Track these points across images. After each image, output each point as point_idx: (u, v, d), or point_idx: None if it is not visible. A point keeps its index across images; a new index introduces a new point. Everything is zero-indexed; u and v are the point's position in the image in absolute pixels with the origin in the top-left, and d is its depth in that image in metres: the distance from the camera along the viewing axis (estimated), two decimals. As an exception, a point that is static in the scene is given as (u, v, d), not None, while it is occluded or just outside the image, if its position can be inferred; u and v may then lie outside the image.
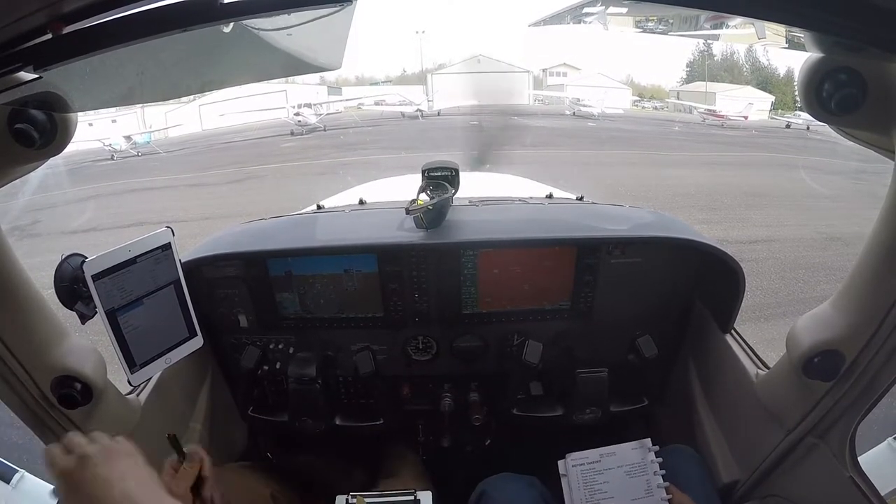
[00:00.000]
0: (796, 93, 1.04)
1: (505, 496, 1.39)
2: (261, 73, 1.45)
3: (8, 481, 1.62)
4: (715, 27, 0.95)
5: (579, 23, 1.11)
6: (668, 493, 1.32)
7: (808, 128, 19.58)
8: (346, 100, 32.35)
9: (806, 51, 0.91)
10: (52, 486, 1.39)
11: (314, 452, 1.89)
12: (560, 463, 1.41)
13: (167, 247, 1.00)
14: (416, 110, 26.65)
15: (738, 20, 0.90)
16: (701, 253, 1.60)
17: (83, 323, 1.08)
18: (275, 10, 0.75)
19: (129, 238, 0.95)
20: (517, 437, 1.91)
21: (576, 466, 1.39)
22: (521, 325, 1.73)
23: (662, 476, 1.35)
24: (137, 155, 20.55)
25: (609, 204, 1.96)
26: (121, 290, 0.95)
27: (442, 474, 1.86)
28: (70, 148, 1.02)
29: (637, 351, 1.68)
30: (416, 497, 1.40)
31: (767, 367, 1.42)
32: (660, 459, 1.38)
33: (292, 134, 22.57)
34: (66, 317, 1.13)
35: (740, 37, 1.01)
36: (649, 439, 1.42)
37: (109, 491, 0.76)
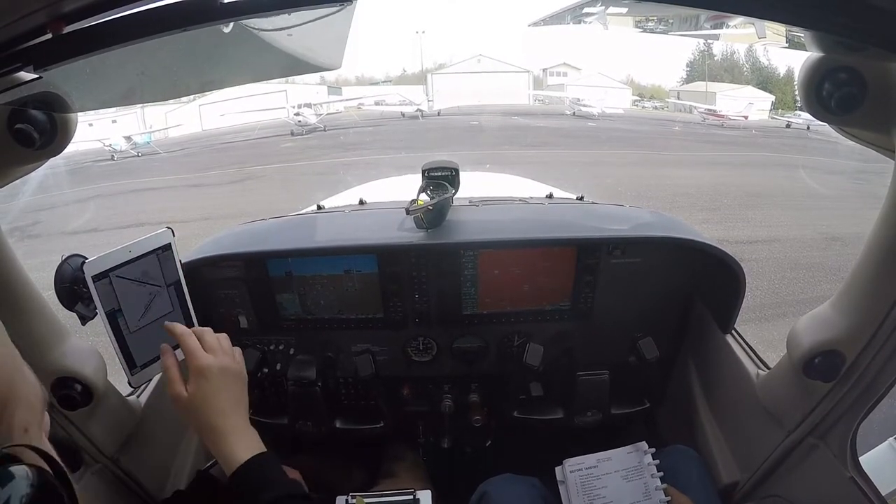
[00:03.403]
0: (796, 92, 1.04)
1: (507, 497, 1.38)
2: (261, 74, 1.45)
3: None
4: (715, 27, 0.95)
5: (579, 23, 1.11)
6: (666, 495, 1.32)
7: (808, 127, 19.55)
8: (347, 100, 32.40)
9: (806, 50, 0.91)
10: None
11: (314, 454, 1.89)
12: (557, 469, 1.41)
13: (167, 247, 1.00)
14: (417, 110, 26.66)
15: (738, 20, 0.90)
16: (701, 253, 1.60)
17: (83, 324, 1.08)
18: (275, 10, 0.75)
19: (130, 239, 0.95)
20: (518, 439, 1.91)
21: (573, 472, 1.39)
22: (521, 325, 1.72)
23: (661, 478, 1.35)
24: (137, 155, 20.57)
25: (609, 204, 1.96)
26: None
27: (442, 475, 1.85)
28: (70, 148, 1.02)
29: (638, 352, 1.67)
30: (415, 496, 1.40)
31: (768, 368, 1.41)
32: (657, 461, 1.37)
33: (292, 134, 22.58)
34: (67, 318, 1.13)
35: (740, 36, 1.01)
36: (645, 442, 1.41)
37: (215, 398, 0.94)
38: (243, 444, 0.93)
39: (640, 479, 1.35)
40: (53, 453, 0.53)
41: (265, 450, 0.94)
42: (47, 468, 0.48)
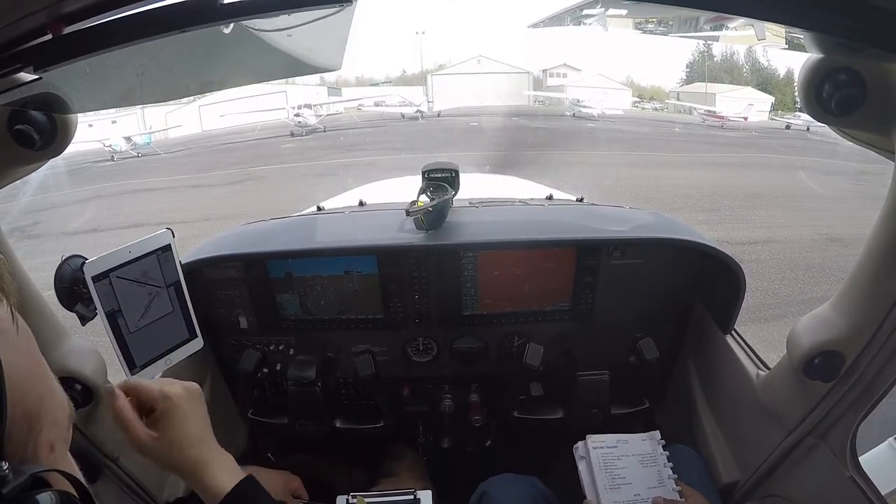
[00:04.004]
0: (796, 93, 1.04)
1: (506, 496, 1.39)
2: (261, 74, 1.45)
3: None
4: (715, 28, 0.95)
5: (579, 24, 1.11)
6: (677, 485, 1.33)
7: (808, 129, 19.59)
8: (347, 101, 32.43)
9: (806, 51, 0.91)
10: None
11: (315, 453, 1.89)
12: (579, 444, 1.42)
13: (167, 248, 1.00)
14: (416, 111, 26.68)
15: (738, 21, 0.90)
16: (701, 254, 1.60)
17: (83, 324, 1.08)
18: (275, 11, 0.75)
19: (130, 239, 0.95)
20: (518, 439, 1.91)
21: (596, 449, 1.40)
22: (521, 326, 1.73)
23: (671, 468, 1.36)
24: (137, 156, 20.58)
25: (609, 205, 1.96)
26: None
27: (442, 475, 1.85)
28: (70, 149, 1.02)
29: (638, 353, 1.67)
30: (415, 496, 1.40)
31: (768, 368, 1.42)
32: (667, 453, 1.39)
33: (292, 135, 22.61)
34: (67, 318, 1.13)
35: (740, 38, 1.01)
36: (658, 431, 1.43)
37: (187, 426, 0.90)
38: (224, 470, 0.90)
39: (654, 466, 1.38)
40: (77, 471, 0.53)
41: (244, 473, 0.92)
42: (73, 491, 0.49)
